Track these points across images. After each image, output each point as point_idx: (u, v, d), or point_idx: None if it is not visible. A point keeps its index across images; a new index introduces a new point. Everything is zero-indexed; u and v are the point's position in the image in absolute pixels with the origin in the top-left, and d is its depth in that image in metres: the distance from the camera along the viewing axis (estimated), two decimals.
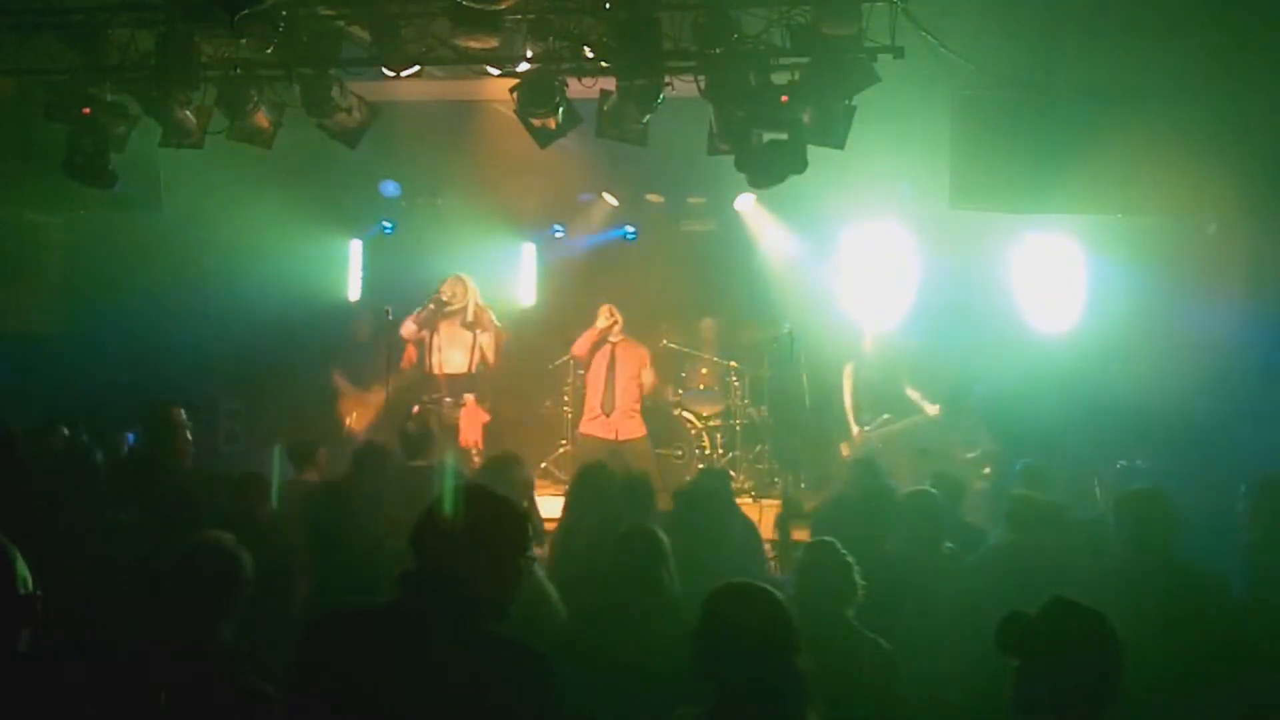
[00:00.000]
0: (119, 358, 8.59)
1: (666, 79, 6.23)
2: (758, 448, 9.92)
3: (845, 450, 8.79)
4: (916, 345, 8.83)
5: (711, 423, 9.81)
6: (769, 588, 2.89)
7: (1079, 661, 2.55)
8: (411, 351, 8.86)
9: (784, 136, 6.10)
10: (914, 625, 4.08)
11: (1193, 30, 6.61)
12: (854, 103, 6.13)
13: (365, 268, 10.93)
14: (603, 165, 9.37)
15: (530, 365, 10.02)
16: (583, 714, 3.16)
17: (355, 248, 10.96)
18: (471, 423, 8.62)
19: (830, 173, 6.59)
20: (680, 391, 9.98)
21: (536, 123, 6.57)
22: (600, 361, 8.94)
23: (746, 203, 10.10)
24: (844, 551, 3.83)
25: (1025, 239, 8.84)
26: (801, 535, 5.57)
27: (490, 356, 8.73)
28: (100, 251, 9.60)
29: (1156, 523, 4.30)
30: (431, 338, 8.74)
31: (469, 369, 8.71)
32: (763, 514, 7.20)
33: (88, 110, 6.70)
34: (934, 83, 6.91)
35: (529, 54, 6.39)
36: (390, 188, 10.36)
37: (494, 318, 8.82)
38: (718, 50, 6.08)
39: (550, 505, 6.08)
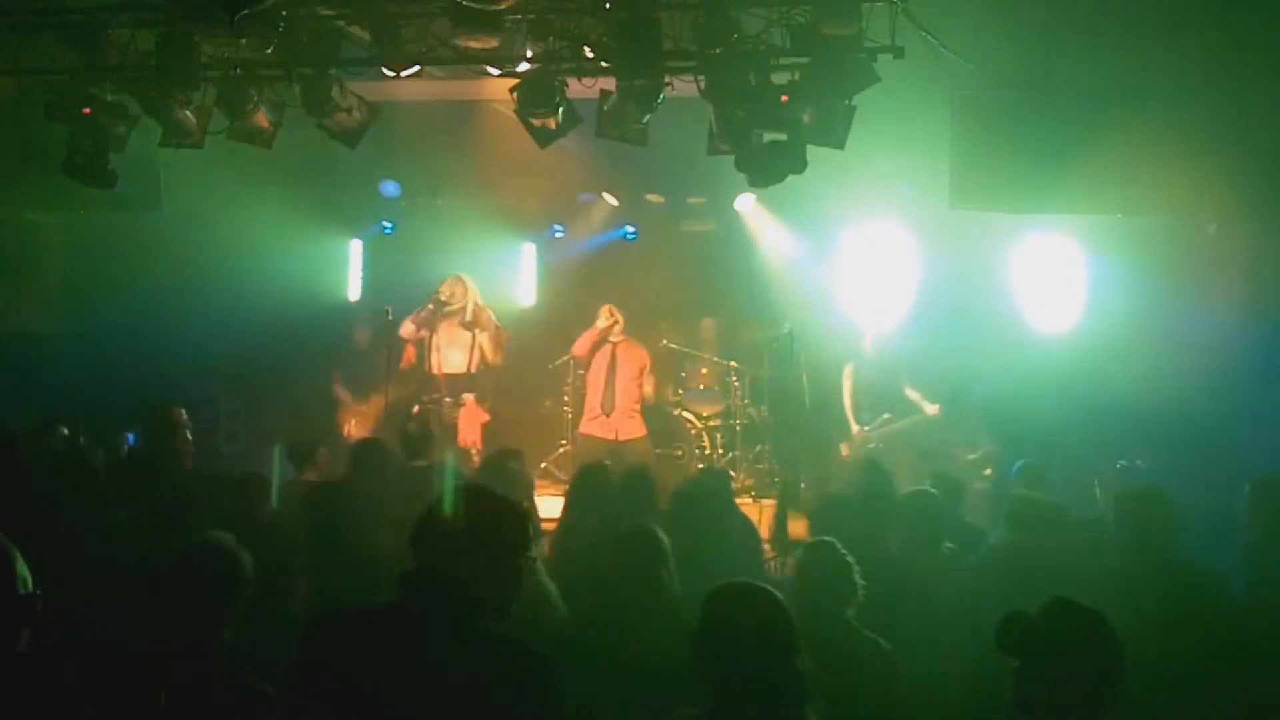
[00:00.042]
0: (119, 358, 8.58)
1: (666, 79, 6.23)
2: (758, 448, 9.92)
3: (845, 450, 8.79)
4: (916, 345, 8.83)
5: (711, 423, 9.82)
6: (769, 588, 2.89)
7: (1079, 661, 2.55)
8: (410, 352, 8.86)
9: (784, 136, 6.10)
10: (914, 625, 4.08)
11: (1193, 30, 6.60)
12: (854, 103, 6.13)
13: (365, 268, 10.94)
14: (603, 165, 9.37)
15: (530, 365, 10.02)
16: (583, 714, 3.16)
17: (355, 248, 10.96)
18: (470, 423, 8.62)
19: (830, 173, 6.59)
20: (680, 391, 9.98)
21: (536, 123, 6.57)
22: (600, 361, 8.94)
23: (746, 203, 10.10)
24: (844, 551, 3.83)
25: (1025, 239, 8.85)
26: (798, 526, 5.58)
27: (490, 355, 8.73)
28: (100, 251, 9.60)
29: (1156, 522, 4.30)
30: (431, 338, 8.74)
31: (468, 369, 8.71)
32: (762, 514, 7.19)
33: (88, 110, 6.70)
34: (934, 83, 6.91)
35: (529, 54, 6.39)
36: (390, 188, 10.37)
37: (493, 316, 8.81)
38: (718, 50, 6.08)
39: (550, 505, 6.08)
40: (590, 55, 6.31)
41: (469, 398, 8.66)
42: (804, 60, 6.09)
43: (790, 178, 6.14)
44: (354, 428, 9.23)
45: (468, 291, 8.69)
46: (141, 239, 9.19)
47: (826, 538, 3.94)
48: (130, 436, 6.73)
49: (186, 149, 6.90)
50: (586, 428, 8.99)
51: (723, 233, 10.55)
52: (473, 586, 2.50)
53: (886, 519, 4.86)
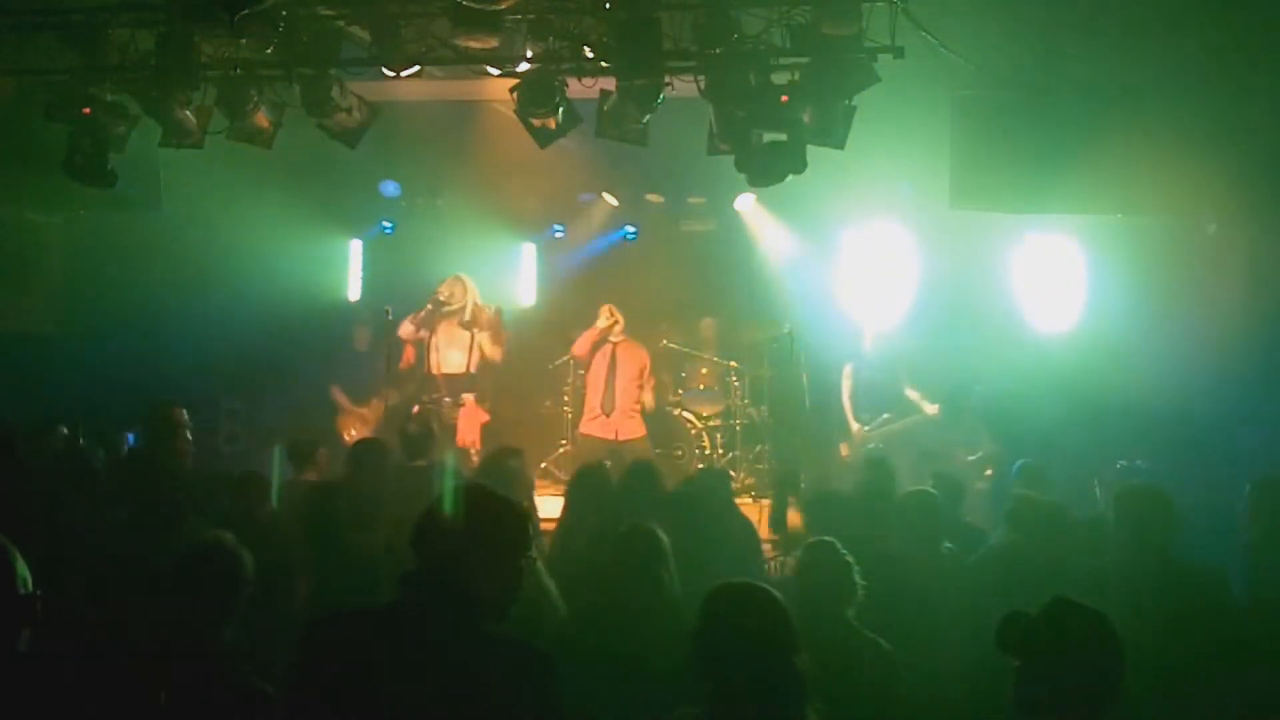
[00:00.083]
0: (119, 358, 8.58)
1: (666, 79, 6.23)
2: (758, 448, 9.92)
3: (845, 450, 8.79)
4: (916, 345, 8.83)
5: (711, 423, 9.82)
6: (768, 588, 2.89)
7: (1079, 661, 2.55)
8: (410, 353, 8.86)
9: (784, 136, 6.10)
10: (914, 625, 4.07)
11: (1193, 30, 6.60)
12: (854, 103, 6.14)
13: (365, 268, 10.93)
14: (603, 165, 9.36)
15: (530, 365, 10.02)
16: (583, 714, 3.16)
17: (355, 248, 10.96)
18: (470, 423, 8.61)
19: (830, 173, 6.59)
20: (680, 391, 9.98)
21: (536, 123, 6.57)
22: (600, 362, 8.93)
23: (746, 203, 10.10)
24: (844, 551, 3.83)
25: (1025, 239, 8.85)
26: (795, 517, 5.58)
27: (489, 350, 8.68)
28: (100, 251, 9.61)
29: (1156, 519, 4.29)
30: (430, 338, 8.74)
31: (467, 369, 8.70)
32: (762, 514, 7.19)
33: (88, 110, 6.70)
34: (934, 83, 6.92)
35: (529, 54, 6.39)
36: (390, 188, 10.37)
37: (491, 314, 8.75)
38: (718, 50, 6.08)
39: (550, 505, 6.08)
40: (590, 55, 6.31)
41: (469, 398, 8.65)
42: (804, 60, 6.09)
43: (790, 178, 6.15)
44: (354, 429, 9.22)
45: (467, 291, 8.68)
46: (141, 239, 9.19)
47: (826, 538, 3.94)
48: (130, 436, 6.73)
49: (186, 149, 6.90)
50: (586, 428, 8.99)
51: (723, 233, 10.55)
52: (473, 586, 2.50)
53: (886, 518, 4.87)
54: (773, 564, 5.94)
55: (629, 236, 10.77)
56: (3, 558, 2.43)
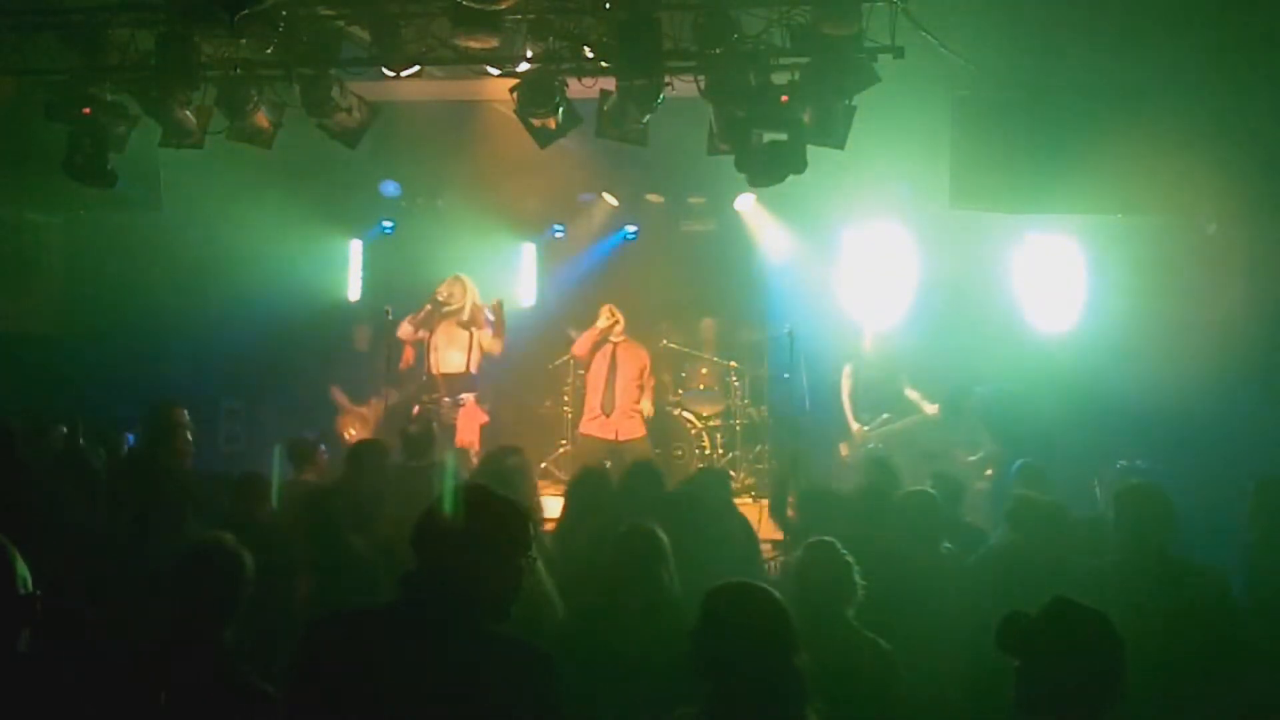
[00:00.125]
0: (119, 358, 8.59)
1: (666, 79, 6.23)
2: (758, 448, 9.92)
3: (845, 450, 8.79)
4: (916, 345, 8.83)
5: (711, 423, 9.82)
6: (768, 587, 2.89)
7: (1080, 661, 2.55)
8: (409, 353, 8.86)
9: (784, 136, 6.10)
10: (914, 625, 4.07)
11: (1193, 30, 6.60)
12: (854, 103, 6.14)
13: (365, 268, 10.94)
14: (603, 165, 9.36)
15: (530, 365, 10.03)
16: (583, 713, 3.16)
17: (355, 248, 10.96)
18: (470, 423, 8.61)
19: (830, 173, 6.59)
20: (680, 391, 9.98)
21: (536, 123, 6.57)
22: (601, 362, 8.93)
23: (746, 203, 10.10)
24: (844, 551, 3.83)
25: (1025, 239, 8.84)
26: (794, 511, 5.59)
27: (490, 345, 8.62)
28: (100, 251, 9.60)
29: (1155, 519, 4.29)
30: (430, 338, 8.73)
31: (467, 369, 8.69)
32: (762, 514, 7.19)
33: (88, 110, 6.71)
34: (934, 83, 6.91)
35: (529, 54, 6.39)
36: (390, 188, 10.37)
37: (489, 313, 8.73)
38: (718, 50, 6.08)
39: (550, 505, 6.08)
40: (590, 55, 6.32)
41: (468, 398, 8.65)
42: (804, 60, 6.09)
43: (790, 178, 6.15)
44: (354, 429, 9.22)
45: (466, 291, 8.68)
46: (141, 239, 9.18)
47: (826, 538, 3.94)
48: (130, 436, 6.73)
49: (186, 149, 6.91)
50: (586, 428, 8.99)
51: (723, 233, 10.55)
52: (473, 586, 2.50)
53: (884, 518, 4.87)
54: (772, 564, 5.94)
55: (629, 236, 10.77)
56: (3, 558, 2.43)
